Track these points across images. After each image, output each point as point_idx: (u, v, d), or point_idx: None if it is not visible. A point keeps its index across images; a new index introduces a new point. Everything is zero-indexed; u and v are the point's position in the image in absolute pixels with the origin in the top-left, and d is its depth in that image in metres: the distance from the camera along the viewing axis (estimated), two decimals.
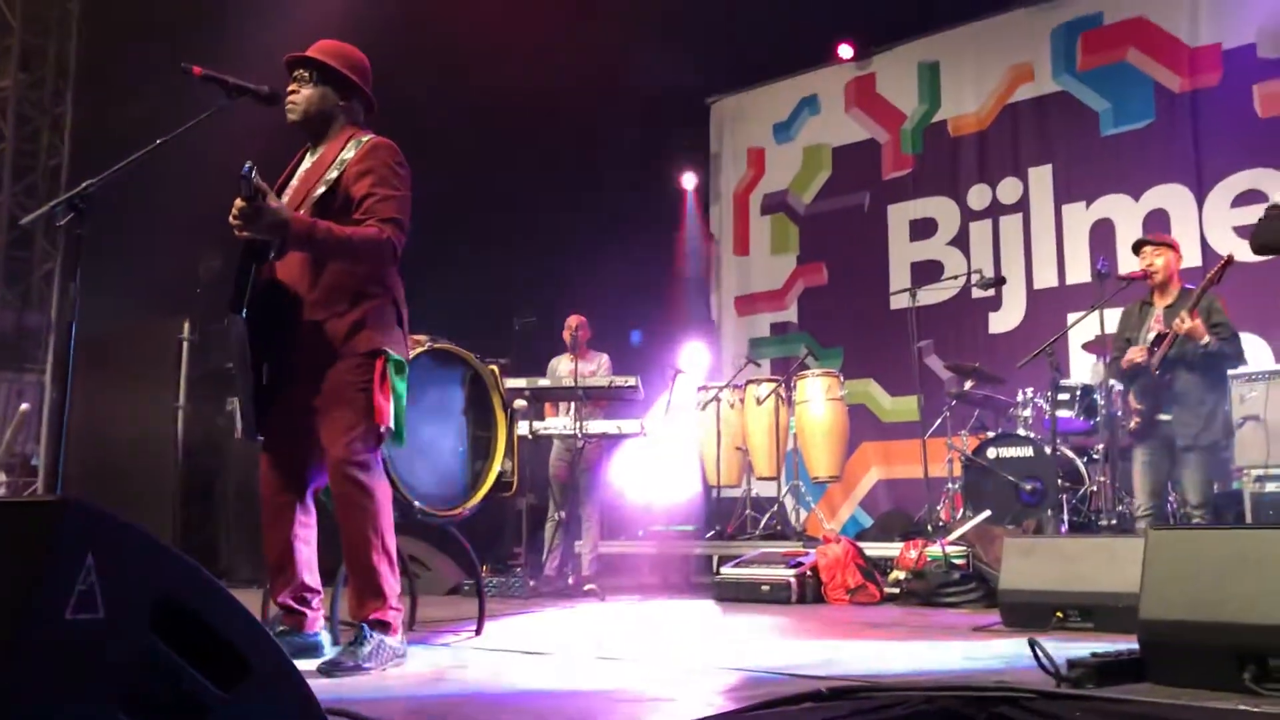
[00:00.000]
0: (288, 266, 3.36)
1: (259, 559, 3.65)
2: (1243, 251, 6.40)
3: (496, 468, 4.44)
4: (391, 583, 3.33)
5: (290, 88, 3.48)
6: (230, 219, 3.09)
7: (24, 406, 7.97)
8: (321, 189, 3.37)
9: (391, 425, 3.32)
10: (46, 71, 8.87)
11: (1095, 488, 6.83)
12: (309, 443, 3.40)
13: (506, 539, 8.34)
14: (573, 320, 7.78)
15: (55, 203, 3.04)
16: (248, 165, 3.04)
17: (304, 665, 3.02)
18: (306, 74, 3.47)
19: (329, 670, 3.08)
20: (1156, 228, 7.90)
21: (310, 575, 3.46)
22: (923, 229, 9.65)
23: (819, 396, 8.07)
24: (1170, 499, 6.07)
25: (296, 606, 3.43)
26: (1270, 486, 6.03)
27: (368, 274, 3.37)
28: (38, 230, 8.52)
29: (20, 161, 8.72)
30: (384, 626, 3.26)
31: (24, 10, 8.77)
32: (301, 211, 3.31)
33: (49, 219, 3.18)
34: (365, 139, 3.46)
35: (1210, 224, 8.07)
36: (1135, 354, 5.66)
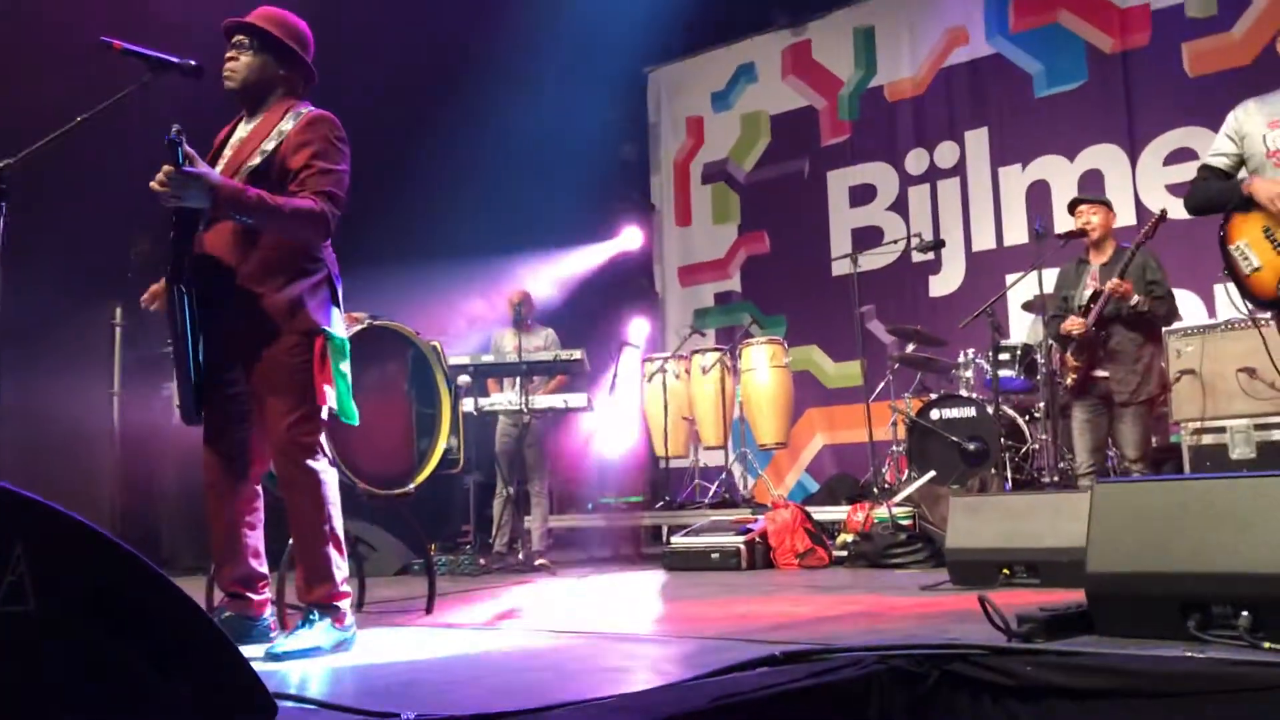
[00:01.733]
0: (218, 239, 3.26)
1: (202, 546, 3.57)
2: (1175, 209, 6.51)
3: (442, 445, 4.39)
4: (339, 565, 3.27)
5: (229, 54, 3.37)
6: (155, 185, 2.99)
7: None
8: (256, 159, 3.27)
9: (334, 406, 3.25)
10: None
11: (1037, 446, 6.93)
12: (249, 425, 3.33)
13: (455, 517, 8.29)
14: (515, 294, 7.70)
15: None
16: (174, 129, 2.95)
17: (251, 650, 2.97)
18: (245, 40, 3.37)
19: (277, 655, 3.02)
20: (1091, 188, 8.00)
21: (257, 559, 3.40)
22: (862, 195, 9.69)
23: (764, 364, 8.10)
24: (1110, 454, 6.17)
25: (243, 592, 3.37)
26: (1207, 439, 6.16)
27: (302, 249, 3.28)
28: None
29: None
30: (332, 610, 3.21)
31: None
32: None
33: None
34: (304, 111, 3.37)
35: (1143, 183, 8.20)
36: (1072, 324, 5.72)
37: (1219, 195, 4.24)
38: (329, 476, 3.29)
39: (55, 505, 1.48)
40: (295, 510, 3.25)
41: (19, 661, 1.40)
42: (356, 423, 3.40)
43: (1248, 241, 4.13)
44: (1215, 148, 4.34)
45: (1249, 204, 4.11)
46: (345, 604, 3.27)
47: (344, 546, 3.34)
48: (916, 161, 9.42)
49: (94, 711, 1.47)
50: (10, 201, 2.89)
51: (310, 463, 3.23)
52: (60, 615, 1.45)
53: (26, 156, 2.97)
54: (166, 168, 2.96)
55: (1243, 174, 4.26)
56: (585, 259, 10.40)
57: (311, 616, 3.19)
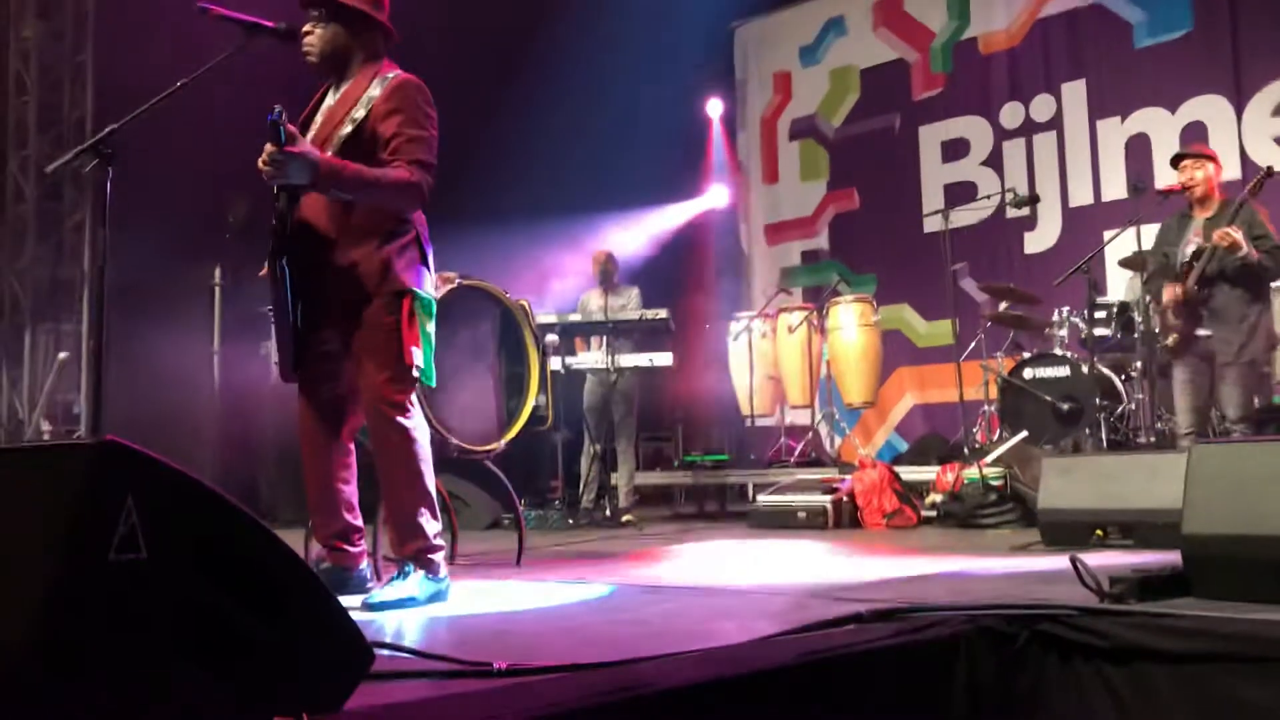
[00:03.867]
0: (312, 206, 3.34)
1: (300, 500, 3.67)
2: None
3: (531, 403, 4.45)
4: (431, 521, 3.35)
5: (304, 28, 3.41)
6: (260, 165, 3.06)
7: (62, 355, 8.05)
8: (348, 128, 3.32)
9: (420, 365, 3.31)
10: (65, 22, 8.82)
11: (1133, 405, 6.78)
12: (344, 383, 3.41)
13: (543, 473, 8.39)
14: (600, 254, 7.74)
15: (79, 149, 3.03)
16: (276, 110, 3.00)
17: (348, 601, 3.06)
18: (318, 13, 3.40)
19: (374, 605, 3.11)
20: (1194, 140, 7.72)
21: (351, 513, 3.49)
22: (955, 150, 9.50)
23: (852, 323, 8.02)
24: (1212, 415, 6.00)
25: (339, 544, 3.46)
26: None
27: (394, 212, 3.34)
28: (65, 181, 8.52)
29: (45, 115, 8.71)
30: (426, 562, 3.29)
31: None
32: (327, 151, 3.28)
33: (75, 168, 3.17)
34: (391, 75, 3.40)
35: (1250, 135, 7.91)
36: (1171, 294, 5.55)
37: None
38: (420, 434, 3.35)
39: (163, 458, 1.53)
40: (387, 467, 3.33)
41: (133, 608, 1.46)
42: (434, 384, 3.46)
43: None
44: None
45: None
46: (439, 556, 3.35)
47: (435, 502, 3.41)
48: (1011, 115, 9.20)
49: (203, 658, 1.54)
50: (115, 165, 2.99)
51: (401, 420, 3.29)
52: (170, 565, 1.51)
53: (130, 121, 3.06)
54: (269, 148, 3.02)
55: None
56: (671, 217, 10.38)
57: (406, 569, 3.27)
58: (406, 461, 3.30)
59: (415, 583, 3.23)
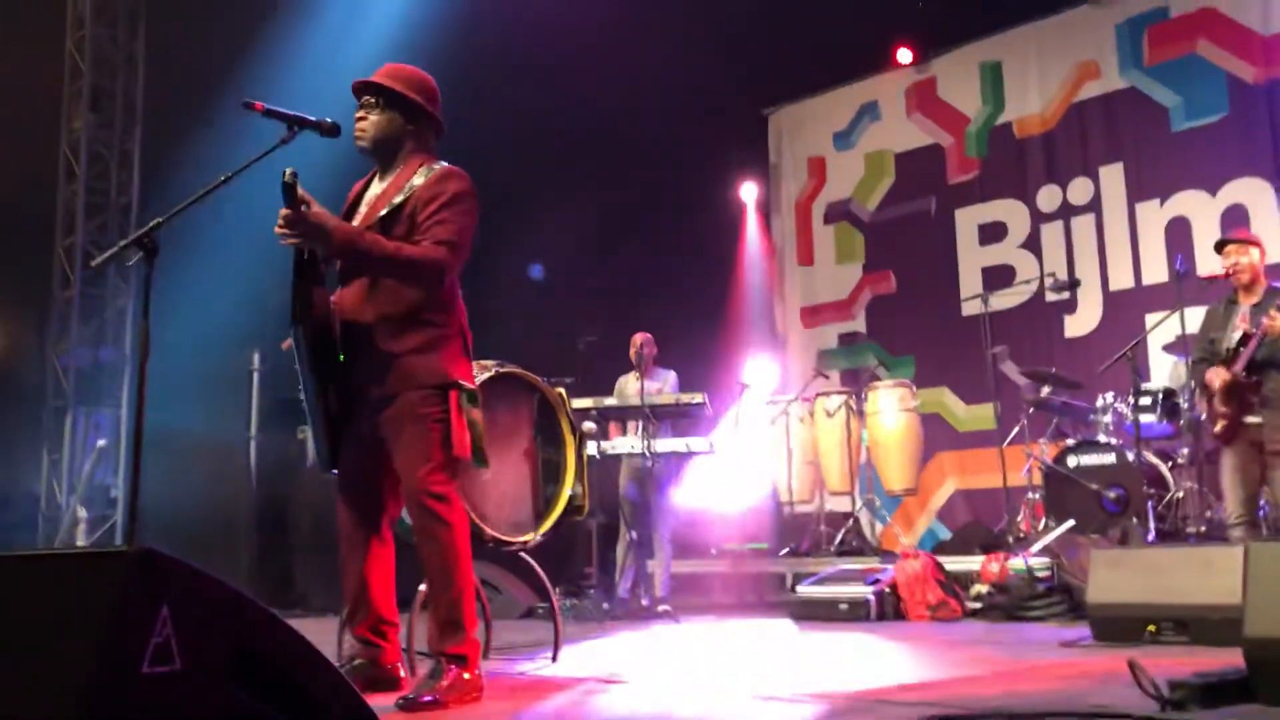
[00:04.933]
0: (352, 296, 3.35)
1: (334, 586, 3.63)
2: None
3: (567, 491, 4.39)
4: (471, 616, 3.29)
5: (358, 114, 3.46)
6: (276, 229, 3.10)
7: (101, 442, 8.11)
8: (384, 211, 3.35)
9: (470, 455, 3.29)
10: (115, 111, 9.05)
11: (1182, 494, 6.62)
12: (382, 474, 3.39)
13: (578, 560, 8.29)
14: (638, 338, 7.73)
15: (124, 243, 3.06)
16: (288, 172, 3.05)
17: (381, 699, 3.00)
18: (373, 100, 3.45)
19: (408, 705, 3.04)
20: (1235, 223, 7.67)
21: (387, 608, 3.44)
22: (992, 233, 9.48)
23: (891, 408, 7.94)
24: (1262, 504, 5.85)
25: (373, 639, 3.40)
26: None
27: (427, 300, 3.32)
28: (109, 267, 8.68)
29: (92, 200, 8.90)
30: (462, 660, 3.23)
31: (92, 53, 8.97)
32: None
33: (120, 258, 3.20)
34: (437, 167, 3.43)
35: None
36: (1215, 376, 5.46)
37: None
38: (462, 526, 3.31)
39: (199, 567, 1.50)
40: (428, 560, 3.28)
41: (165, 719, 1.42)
42: (487, 466, 3.43)
43: None
44: None
45: None
46: (475, 654, 3.28)
47: (475, 597, 3.35)
48: (1049, 198, 9.18)
49: None
50: (159, 258, 3.00)
51: (444, 513, 3.26)
52: (204, 676, 1.47)
53: (175, 215, 3.09)
54: (284, 210, 3.06)
55: None
56: (708, 300, 10.39)
57: (441, 666, 3.20)
58: (449, 554, 3.26)
59: (451, 681, 3.16)
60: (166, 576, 1.45)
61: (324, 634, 3.23)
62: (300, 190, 3.07)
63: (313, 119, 3.27)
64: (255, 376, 7.90)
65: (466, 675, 3.21)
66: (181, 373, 6.62)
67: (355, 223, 3.39)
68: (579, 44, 8.16)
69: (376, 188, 3.50)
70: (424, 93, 3.51)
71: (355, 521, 3.42)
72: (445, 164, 3.46)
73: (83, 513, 8.04)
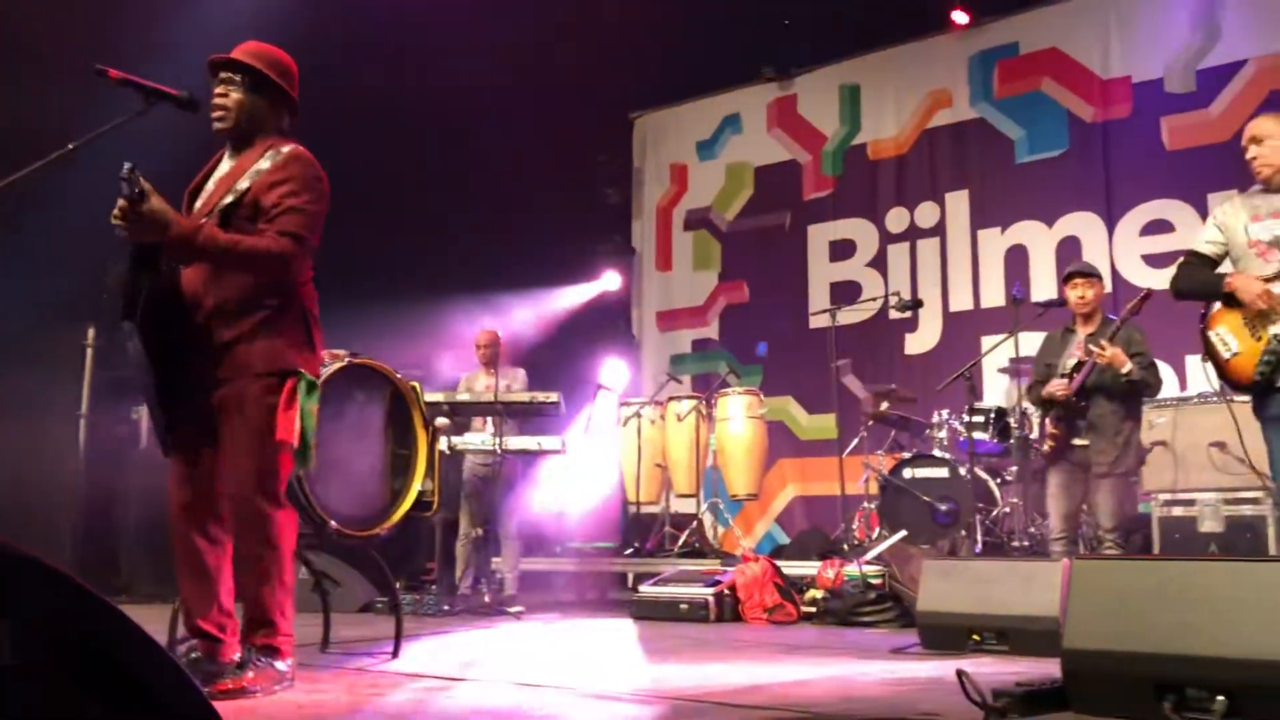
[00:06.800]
0: (194, 276, 3.25)
1: (163, 573, 3.52)
2: (1148, 278, 6.53)
3: (416, 486, 4.33)
4: (286, 612, 3.23)
5: (217, 90, 3.34)
6: (112, 219, 2.99)
7: None
8: (229, 198, 3.26)
9: (295, 443, 3.20)
10: None
11: (1008, 509, 6.95)
12: (215, 461, 3.29)
13: (420, 554, 8.19)
14: (484, 336, 7.68)
15: None
16: (128, 165, 2.95)
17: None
18: (235, 78, 3.34)
19: (215, 696, 2.94)
20: (1069, 254, 8.09)
21: (225, 599, 3.34)
22: (842, 250, 9.76)
23: (740, 414, 8.09)
24: (1082, 521, 6.18)
25: (211, 631, 3.30)
26: (1177, 510, 6.21)
27: (269, 287, 3.25)
28: None
29: None
30: (272, 651, 3.17)
31: None
32: (207, 219, 3.20)
33: None
34: (285, 149, 3.34)
35: (1120, 251, 8.28)
36: (1055, 388, 5.72)
37: (1203, 287, 4.41)
38: (286, 520, 3.25)
39: (28, 552, 1.43)
40: (245, 552, 3.22)
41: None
42: (309, 467, 3.36)
43: (1227, 328, 4.27)
44: (1203, 235, 4.50)
45: (1230, 298, 4.23)
46: (287, 647, 3.24)
47: (293, 592, 3.29)
48: (897, 219, 9.50)
49: None
50: None
51: (266, 505, 3.19)
52: (37, 669, 1.40)
53: (14, 182, 2.93)
54: (121, 203, 2.95)
55: (1225, 266, 4.37)
56: (564, 300, 10.41)
57: (248, 657, 3.15)
58: (267, 549, 3.19)
59: (258, 673, 3.12)
60: None
61: (151, 622, 3.11)
62: (142, 182, 2.96)
63: (170, 91, 3.15)
64: (89, 352, 7.55)
65: (276, 664, 3.16)
66: (10, 343, 6.29)
67: (199, 204, 3.30)
68: (446, 25, 8.00)
69: (224, 167, 3.40)
70: (286, 75, 3.43)
71: (190, 509, 3.31)
72: (294, 145, 3.37)
73: None
